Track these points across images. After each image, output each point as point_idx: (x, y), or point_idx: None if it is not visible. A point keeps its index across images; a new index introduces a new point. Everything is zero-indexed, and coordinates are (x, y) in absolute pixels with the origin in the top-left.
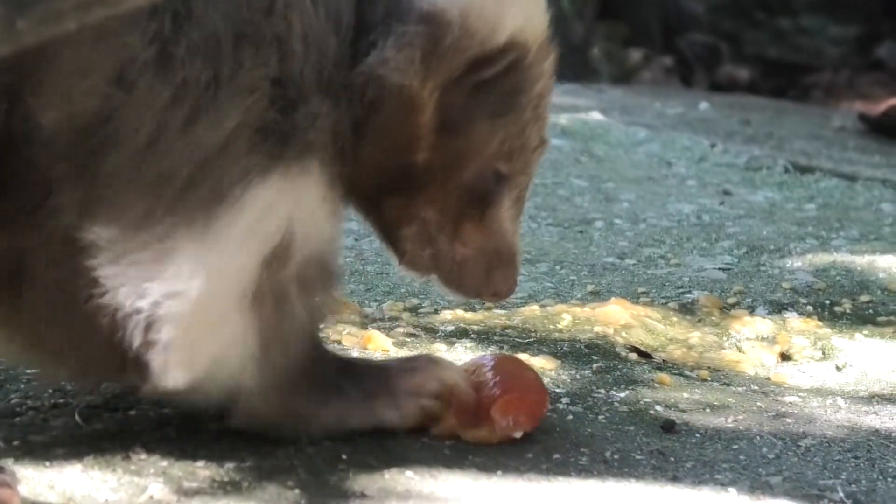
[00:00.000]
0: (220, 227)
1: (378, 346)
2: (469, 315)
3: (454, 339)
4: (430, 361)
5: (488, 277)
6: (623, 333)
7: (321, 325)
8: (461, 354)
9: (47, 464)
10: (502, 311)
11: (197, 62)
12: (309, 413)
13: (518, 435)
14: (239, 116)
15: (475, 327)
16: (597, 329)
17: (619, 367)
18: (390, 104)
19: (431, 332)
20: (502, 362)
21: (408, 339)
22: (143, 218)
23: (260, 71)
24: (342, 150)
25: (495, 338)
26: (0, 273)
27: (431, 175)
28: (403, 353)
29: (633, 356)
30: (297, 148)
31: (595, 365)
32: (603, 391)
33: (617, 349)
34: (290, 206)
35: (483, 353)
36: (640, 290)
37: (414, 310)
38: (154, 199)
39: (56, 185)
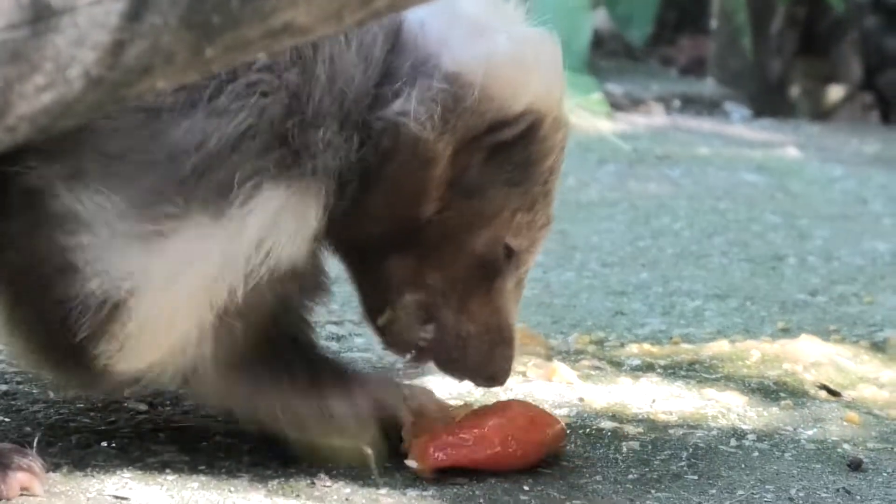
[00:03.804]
0: (222, 221)
1: (562, 378)
2: (656, 349)
3: (640, 374)
4: (393, 383)
5: (489, 357)
6: (812, 371)
7: (289, 325)
8: (646, 388)
9: (231, 489)
10: (690, 346)
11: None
12: (256, 396)
13: (413, 465)
14: (254, 117)
15: (661, 362)
16: (786, 366)
17: (808, 404)
18: (404, 154)
19: (617, 365)
20: (509, 413)
21: (593, 373)
22: (148, 193)
23: (279, 79)
24: (343, 188)
25: (682, 372)
26: None
27: (442, 235)
28: (589, 385)
29: (822, 394)
30: (305, 168)
31: (783, 402)
32: (790, 428)
33: (806, 387)
34: (286, 220)
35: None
36: (832, 327)
37: (600, 343)
38: (161, 178)
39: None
